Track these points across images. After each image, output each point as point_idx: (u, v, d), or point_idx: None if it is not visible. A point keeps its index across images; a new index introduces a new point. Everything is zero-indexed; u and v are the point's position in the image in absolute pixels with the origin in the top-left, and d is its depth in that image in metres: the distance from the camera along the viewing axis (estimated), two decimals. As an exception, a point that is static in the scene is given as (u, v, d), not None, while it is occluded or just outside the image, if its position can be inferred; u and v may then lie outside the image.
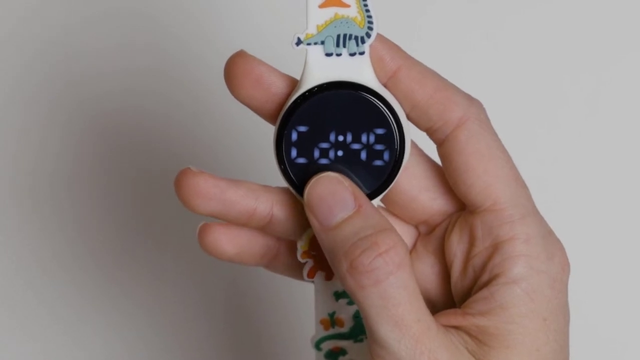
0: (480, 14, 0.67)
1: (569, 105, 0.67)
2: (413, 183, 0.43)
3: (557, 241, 0.42)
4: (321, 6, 0.41)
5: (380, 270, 0.39)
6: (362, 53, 0.41)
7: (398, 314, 0.39)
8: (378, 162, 0.42)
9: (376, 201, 0.42)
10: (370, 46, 0.41)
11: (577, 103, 0.67)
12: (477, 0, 0.67)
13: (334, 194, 0.40)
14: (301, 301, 0.66)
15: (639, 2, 0.67)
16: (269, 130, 0.42)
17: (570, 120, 0.67)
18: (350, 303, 0.44)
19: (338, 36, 0.41)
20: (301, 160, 0.42)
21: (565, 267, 0.41)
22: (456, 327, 0.41)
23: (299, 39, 0.41)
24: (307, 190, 0.41)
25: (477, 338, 0.40)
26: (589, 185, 0.67)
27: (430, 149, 0.44)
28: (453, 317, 0.41)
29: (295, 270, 0.45)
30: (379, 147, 0.41)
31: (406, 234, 0.44)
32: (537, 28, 0.67)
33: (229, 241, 0.43)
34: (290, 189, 0.42)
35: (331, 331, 0.44)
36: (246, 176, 0.58)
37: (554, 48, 0.67)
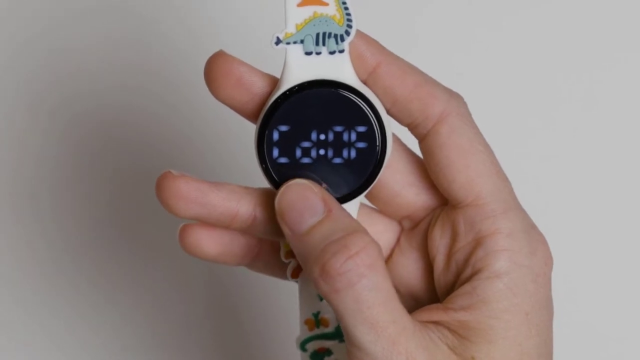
0: (473, 13, 0.67)
1: (560, 103, 0.67)
2: (397, 178, 0.43)
3: (540, 235, 0.42)
4: (299, 5, 0.41)
5: (352, 273, 0.38)
6: (341, 51, 0.41)
7: (372, 315, 0.38)
8: (360, 160, 0.41)
9: (360, 198, 0.42)
10: (350, 43, 0.41)
11: (569, 101, 0.67)
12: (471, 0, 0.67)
13: (303, 200, 0.40)
14: (288, 301, 0.66)
15: (632, 1, 0.67)
16: (254, 129, 0.42)
17: (560, 118, 0.67)
18: (336, 303, 0.43)
19: (317, 35, 0.41)
20: (283, 160, 0.41)
21: (548, 261, 0.41)
22: (437, 323, 0.40)
23: (278, 38, 0.41)
24: (277, 198, 0.41)
25: (458, 333, 0.40)
26: (572, 180, 0.67)
27: (414, 144, 0.43)
28: (435, 312, 0.41)
29: (278, 269, 0.44)
30: (360, 144, 0.41)
31: (390, 229, 0.44)
32: (531, 27, 0.67)
33: (210, 242, 0.43)
34: (273, 189, 0.42)
35: (316, 331, 0.44)
36: (230, 175, 0.58)
37: (548, 46, 0.67)
